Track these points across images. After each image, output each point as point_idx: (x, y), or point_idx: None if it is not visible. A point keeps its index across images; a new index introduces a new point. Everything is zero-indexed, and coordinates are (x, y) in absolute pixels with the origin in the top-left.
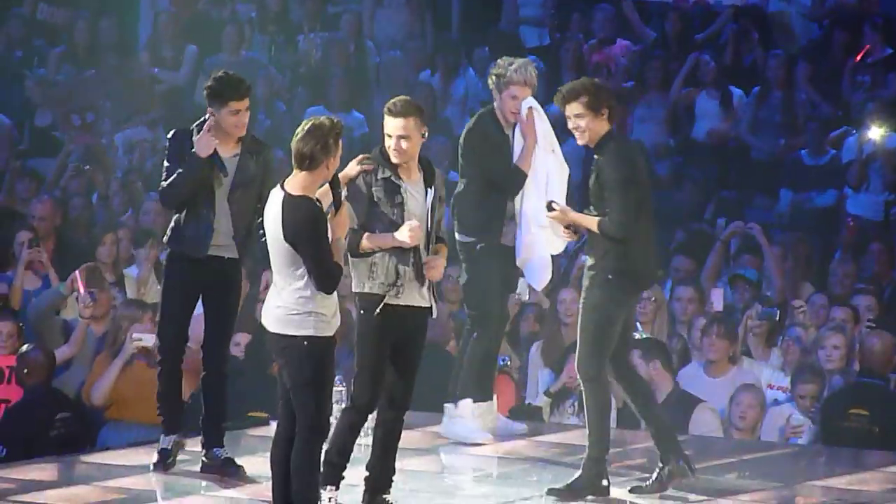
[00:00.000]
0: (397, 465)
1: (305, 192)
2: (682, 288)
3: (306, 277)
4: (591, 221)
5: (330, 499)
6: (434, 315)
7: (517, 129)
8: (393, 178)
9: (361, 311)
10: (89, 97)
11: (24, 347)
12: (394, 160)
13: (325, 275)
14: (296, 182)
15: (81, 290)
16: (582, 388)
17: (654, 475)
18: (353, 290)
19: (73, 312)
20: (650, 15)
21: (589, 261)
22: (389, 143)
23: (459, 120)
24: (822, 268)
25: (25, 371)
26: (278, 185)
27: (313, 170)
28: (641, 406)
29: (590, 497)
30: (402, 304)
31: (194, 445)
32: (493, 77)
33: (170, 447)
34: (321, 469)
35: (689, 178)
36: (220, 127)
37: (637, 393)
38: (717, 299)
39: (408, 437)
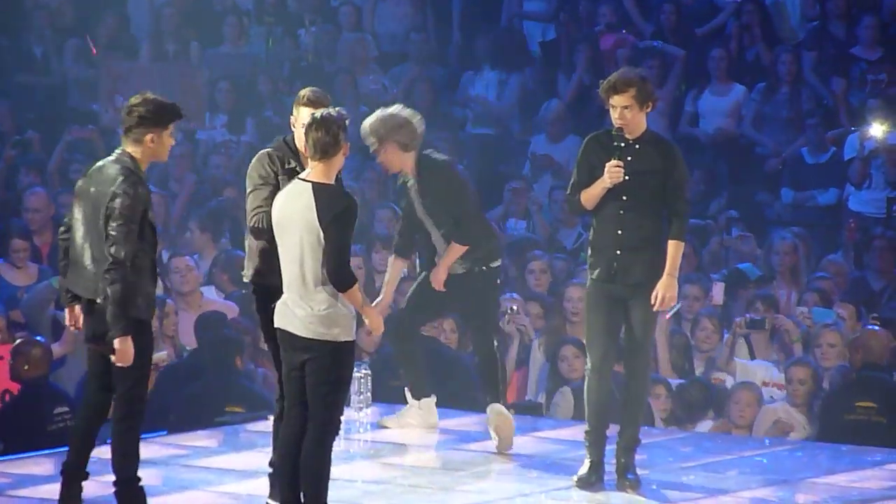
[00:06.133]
0: (397, 460)
1: (331, 182)
2: (688, 286)
3: None
4: (676, 255)
5: None
6: None
7: None
8: (298, 168)
9: (259, 304)
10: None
11: (19, 341)
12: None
13: (343, 266)
14: (319, 172)
15: None
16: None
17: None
18: (249, 279)
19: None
20: (650, 8)
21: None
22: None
23: (462, 118)
24: (820, 266)
25: (26, 367)
26: (296, 180)
27: (331, 159)
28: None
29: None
30: None
31: (195, 440)
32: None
33: None
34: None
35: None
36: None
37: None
38: (718, 293)
39: (407, 434)
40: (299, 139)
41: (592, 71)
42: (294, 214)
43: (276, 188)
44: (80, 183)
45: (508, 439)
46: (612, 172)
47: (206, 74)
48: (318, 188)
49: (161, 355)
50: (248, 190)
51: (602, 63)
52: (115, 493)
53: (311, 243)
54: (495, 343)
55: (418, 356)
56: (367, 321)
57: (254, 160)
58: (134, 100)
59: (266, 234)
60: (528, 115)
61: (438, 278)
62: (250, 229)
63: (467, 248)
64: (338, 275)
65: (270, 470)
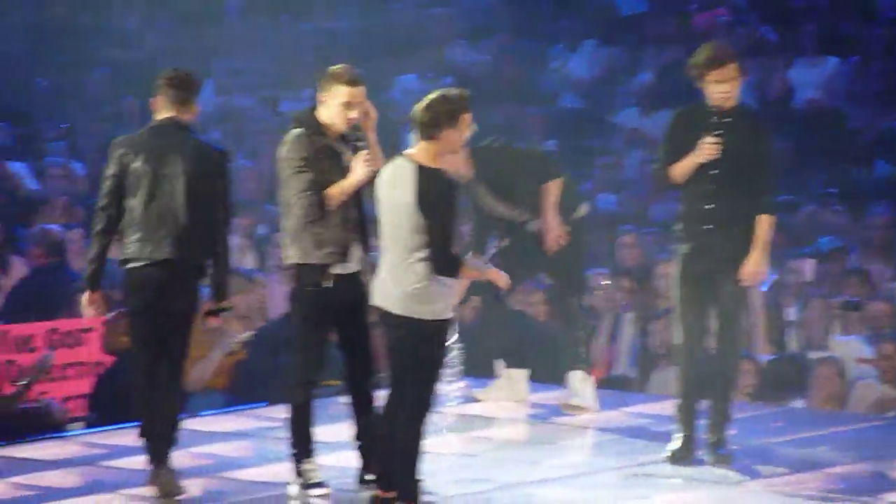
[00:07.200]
0: (487, 434)
1: (437, 164)
2: (791, 261)
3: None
4: (766, 230)
5: (311, 470)
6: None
7: None
8: (333, 145)
9: (304, 284)
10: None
11: (113, 313)
12: (343, 128)
13: (446, 253)
14: (424, 153)
15: None
16: None
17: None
18: (296, 262)
19: None
20: None
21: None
22: (347, 112)
23: (552, 92)
24: None
25: (124, 338)
26: (402, 157)
27: (437, 139)
28: None
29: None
30: (346, 272)
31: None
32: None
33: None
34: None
35: (781, 150)
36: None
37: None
38: (808, 270)
39: (497, 407)
40: (332, 116)
41: (683, 44)
42: (393, 192)
43: (317, 169)
44: (152, 154)
45: (578, 410)
46: (708, 148)
47: (296, 47)
48: (420, 170)
49: (246, 335)
50: (287, 172)
51: (693, 36)
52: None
53: (406, 223)
54: (579, 304)
55: (511, 322)
56: (494, 280)
57: (289, 141)
58: (181, 69)
59: (317, 216)
60: (617, 90)
61: (552, 227)
62: (303, 214)
63: (559, 181)
64: (440, 263)
65: (359, 443)
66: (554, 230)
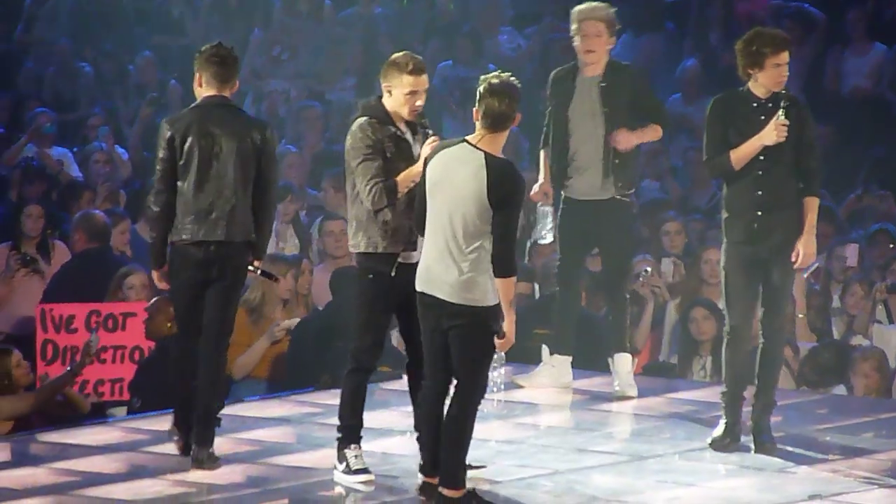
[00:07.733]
0: (530, 420)
1: (501, 154)
2: (839, 247)
3: (484, 245)
4: (813, 211)
5: (356, 456)
6: None
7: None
8: (399, 133)
9: (368, 271)
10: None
11: (156, 298)
12: (409, 117)
13: (509, 253)
14: (490, 142)
15: None
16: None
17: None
18: (362, 250)
19: None
20: None
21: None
22: (412, 101)
23: None
24: None
25: (169, 324)
26: (462, 143)
27: (505, 130)
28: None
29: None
30: (410, 261)
31: (331, 398)
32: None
33: None
34: (342, 433)
35: (828, 137)
36: None
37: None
38: (852, 254)
39: (540, 393)
40: (397, 104)
41: (727, 30)
42: (457, 180)
43: (384, 156)
44: (201, 134)
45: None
46: (781, 130)
47: (338, 33)
48: (492, 161)
49: (293, 321)
50: (356, 161)
51: (737, 22)
52: (205, 420)
53: (472, 212)
54: (626, 289)
55: (575, 305)
56: (504, 325)
57: (356, 130)
58: (221, 46)
59: (385, 204)
60: (661, 76)
61: (626, 138)
62: (372, 202)
63: (660, 132)
64: (502, 260)
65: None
66: (627, 140)
